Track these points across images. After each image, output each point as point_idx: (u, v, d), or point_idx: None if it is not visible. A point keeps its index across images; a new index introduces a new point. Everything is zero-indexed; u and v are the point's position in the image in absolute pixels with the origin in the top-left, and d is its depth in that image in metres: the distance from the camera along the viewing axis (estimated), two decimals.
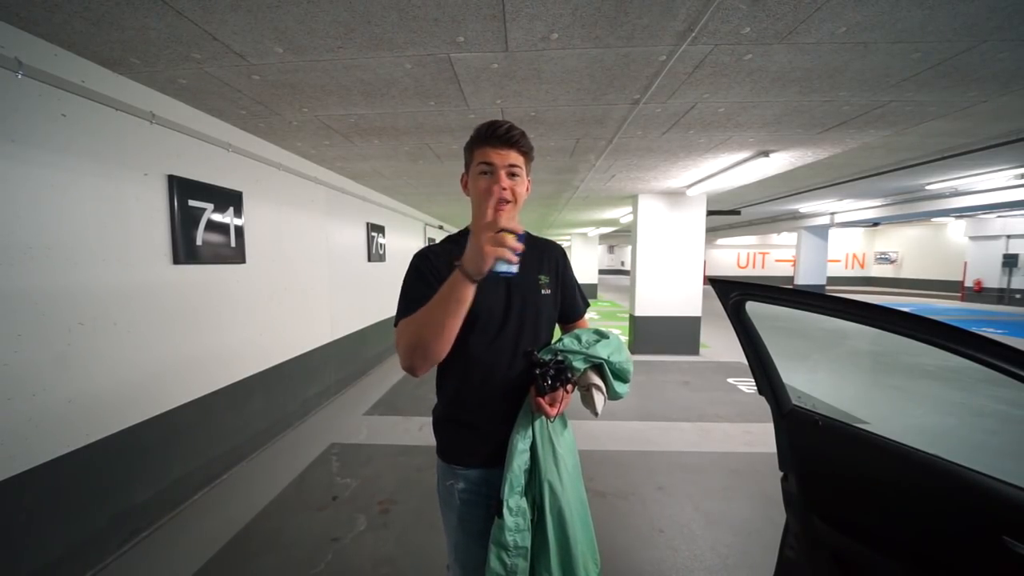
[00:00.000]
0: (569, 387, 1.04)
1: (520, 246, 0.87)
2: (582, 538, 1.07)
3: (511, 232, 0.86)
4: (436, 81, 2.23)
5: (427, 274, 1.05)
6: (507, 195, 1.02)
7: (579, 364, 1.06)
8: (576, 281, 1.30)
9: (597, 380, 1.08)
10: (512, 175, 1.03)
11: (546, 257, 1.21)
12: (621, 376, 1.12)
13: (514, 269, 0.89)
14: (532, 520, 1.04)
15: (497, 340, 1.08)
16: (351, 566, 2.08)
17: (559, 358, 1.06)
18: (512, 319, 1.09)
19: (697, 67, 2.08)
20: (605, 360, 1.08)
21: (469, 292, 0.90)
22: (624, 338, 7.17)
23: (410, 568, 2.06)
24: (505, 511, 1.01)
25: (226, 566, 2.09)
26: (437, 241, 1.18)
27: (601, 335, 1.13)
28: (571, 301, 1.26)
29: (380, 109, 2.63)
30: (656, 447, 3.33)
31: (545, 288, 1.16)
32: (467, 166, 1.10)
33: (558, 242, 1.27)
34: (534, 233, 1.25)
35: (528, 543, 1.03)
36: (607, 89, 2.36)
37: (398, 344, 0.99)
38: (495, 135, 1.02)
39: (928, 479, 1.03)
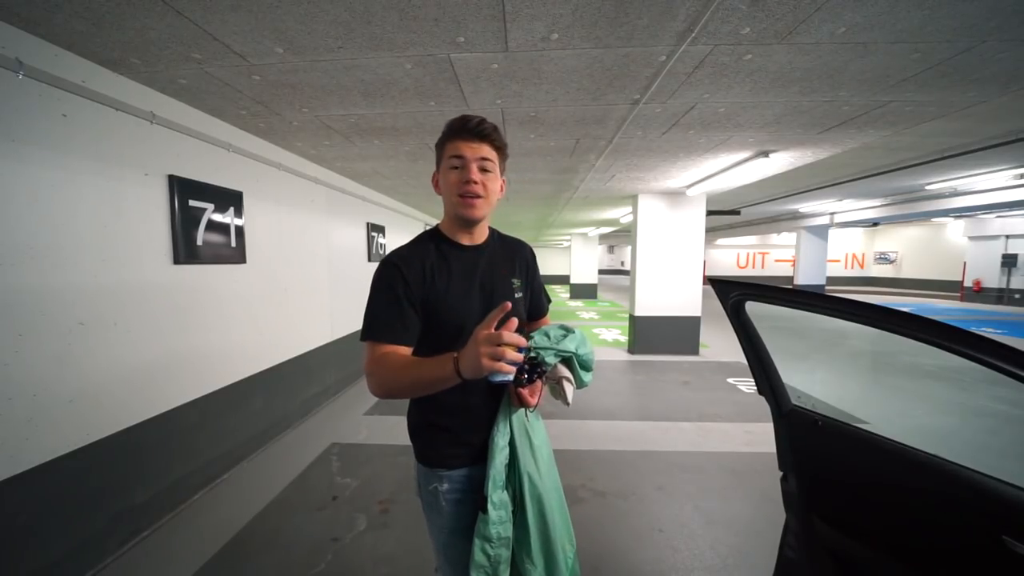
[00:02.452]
0: (544, 379, 1.10)
1: (520, 357, 0.85)
2: (560, 522, 1.12)
3: (512, 345, 0.83)
4: (436, 81, 2.23)
5: (401, 293, 1.02)
6: (478, 189, 1.01)
7: (550, 359, 1.10)
8: (541, 280, 1.33)
9: (567, 372, 1.13)
10: (484, 169, 1.02)
11: (518, 259, 1.22)
12: (586, 366, 1.16)
13: (509, 378, 0.87)
14: (513, 511, 1.08)
15: None
16: (351, 566, 2.08)
17: (532, 354, 1.09)
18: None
19: (697, 67, 2.08)
20: (574, 353, 1.11)
21: (454, 382, 0.89)
22: (624, 337, 7.17)
23: (410, 568, 2.06)
24: (489, 506, 1.03)
25: (226, 566, 2.09)
26: None
27: (567, 330, 1.17)
28: (537, 300, 1.30)
29: (380, 109, 2.63)
30: (656, 447, 3.33)
31: (518, 291, 1.18)
32: (438, 163, 1.07)
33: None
34: (525, 236, 1.26)
35: (510, 533, 1.06)
36: (607, 89, 2.36)
37: (368, 372, 0.99)
38: (466, 128, 1.00)
39: (928, 479, 1.03)
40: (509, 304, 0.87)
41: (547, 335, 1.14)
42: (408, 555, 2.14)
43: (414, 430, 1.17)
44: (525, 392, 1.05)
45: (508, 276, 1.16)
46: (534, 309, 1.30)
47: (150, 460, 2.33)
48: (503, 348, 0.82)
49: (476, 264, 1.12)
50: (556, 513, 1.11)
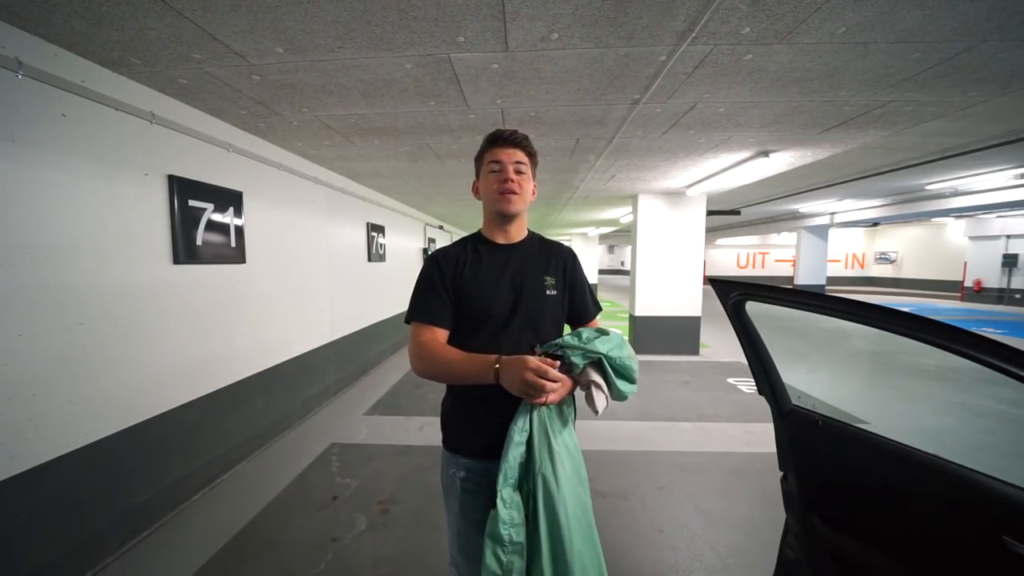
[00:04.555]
0: (575, 382, 1.10)
1: (555, 386, 0.99)
2: (582, 548, 1.02)
3: (553, 380, 0.97)
4: (436, 81, 2.23)
5: (438, 282, 1.17)
6: (514, 187, 1.15)
7: (577, 359, 1.08)
8: (587, 285, 1.31)
9: (597, 378, 1.08)
10: (519, 171, 1.17)
11: (553, 259, 1.26)
12: (624, 374, 1.11)
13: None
14: (527, 515, 1.04)
15: (501, 339, 1.13)
16: (351, 566, 2.07)
17: (556, 352, 1.09)
18: (517, 319, 1.14)
19: (697, 67, 2.08)
20: (604, 355, 1.08)
21: (489, 382, 1.03)
22: (624, 337, 7.18)
23: (410, 568, 2.06)
24: (499, 502, 1.02)
25: (226, 566, 2.09)
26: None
27: (602, 332, 1.14)
28: (581, 304, 1.28)
29: (380, 109, 2.63)
30: (656, 447, 3.33)
31: (551, 289, 1.20)
32: (478, 173, 1.23)
33: (558, 242, 1.32)
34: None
35: (523, 539, 1.02)
36: (607, 89, 2.36)
37: (412, 353, 1.14)
38: (502, 137, 1.17)
39: (928, 479, 1.03)
40: (538, 362, 0.99)
41: (579, 335, 1.13)
42: (408, 555, 2.14)
43: (443, 415, 1.26)
44: None
45: (541, 274, 1.22)
46: (577, 313, 1.28)
47: (150, 460, 2.33)
48: (544, 381, 0.95)
49: (508, 260, 1.21)
50: (576, 536, 1.01)
